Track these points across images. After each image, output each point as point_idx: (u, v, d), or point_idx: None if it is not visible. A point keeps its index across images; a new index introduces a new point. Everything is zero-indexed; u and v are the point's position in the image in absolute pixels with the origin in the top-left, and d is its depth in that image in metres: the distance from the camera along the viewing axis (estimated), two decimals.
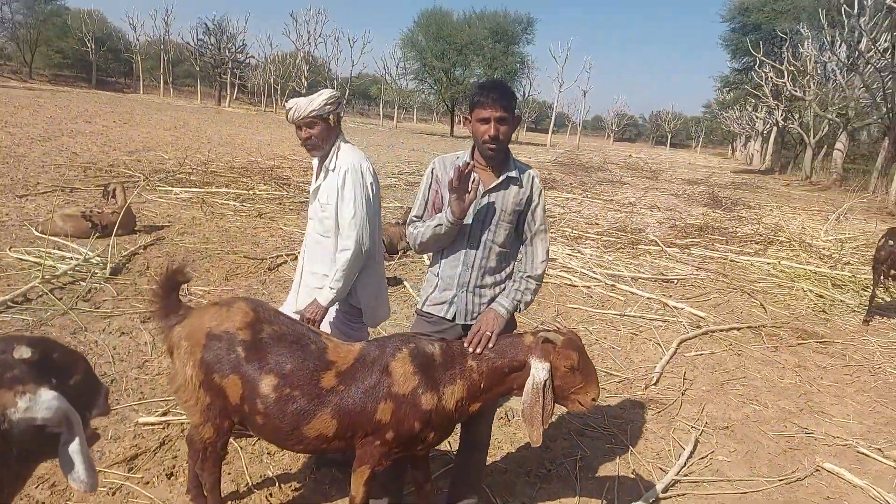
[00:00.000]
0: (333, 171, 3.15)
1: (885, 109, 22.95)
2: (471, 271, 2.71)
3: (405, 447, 2.56)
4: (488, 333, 2.56)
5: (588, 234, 11.04)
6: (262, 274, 6.63)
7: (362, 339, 3.08)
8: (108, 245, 6.40)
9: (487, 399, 2.64)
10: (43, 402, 1.43)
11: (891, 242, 6.90)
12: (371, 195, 3.12)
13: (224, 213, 9.35)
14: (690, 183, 25.37)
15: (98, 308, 5.17)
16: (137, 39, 57.59)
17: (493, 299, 2.73)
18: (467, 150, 2.75)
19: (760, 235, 12.68)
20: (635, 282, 8.05)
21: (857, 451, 4.15)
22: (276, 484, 3.13)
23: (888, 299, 8.07)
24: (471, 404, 2.59)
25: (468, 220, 2.67)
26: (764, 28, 38.95)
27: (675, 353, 5.61)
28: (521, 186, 2.70)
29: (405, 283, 6.83)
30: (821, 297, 8.11)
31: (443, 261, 2.76)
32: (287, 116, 3.15)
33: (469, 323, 2.74)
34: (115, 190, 7.67)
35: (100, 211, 7.47)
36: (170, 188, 10.71)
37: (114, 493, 2.91)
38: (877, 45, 22.25)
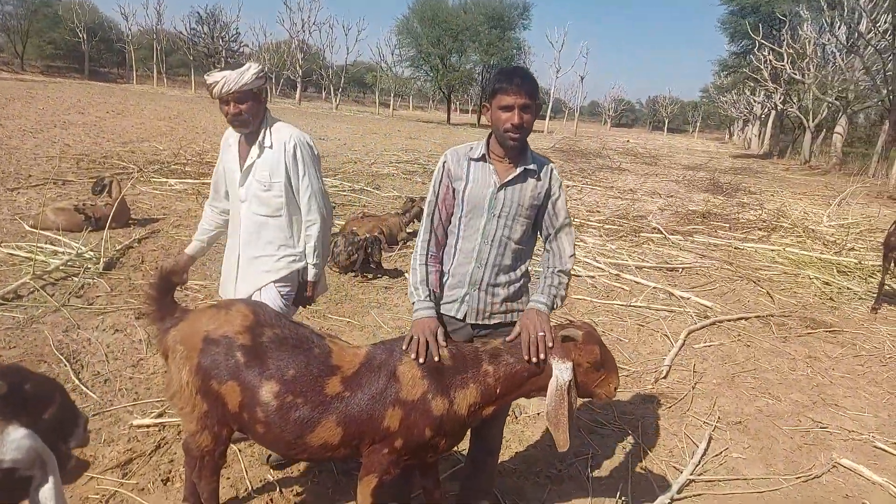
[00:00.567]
0: (271, 147, 2.97)
1: (885, 92, 22.75)
2: (484, 269, 2.56)
3: (415, 455, 2.43)
4: (541, 333, 2.38)
5: (590, 223, 10.90)
6: None
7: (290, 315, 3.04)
8: (102, 239, 6.24)
9: (503, 403, 2.51)
10: (12, 442, 1.28)
11: None
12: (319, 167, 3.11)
13: None
14: (690, 168, 25.21)
15: (91, 304, 5.02)
16: (129, 29, 56.89)
17: (506, 299, 2.59)
18: (482, 140, 2.59)
19: (763, 221, 12.55)
20: (640, 271, 7.93)
21: (874, 446, 4.03)
22: (277, 489, 3.01)
23: None
24: (484, 409, 2.45)
25: (482, 214, 2.52)
26: (763, 10, 38.69)
27: (683, 344, 5.49)
28: (538, 180, 2.54)
29: (406, 275, 6.69)
30: (827, 284, 7.99)
31: (455, 257, 2.61)
32: (214, 90, 2.84)
33: (480, 323, 2.60)
34: (111, 184, 7.50)
35: (93, 203, 7.30)
36: (164, 179, 10.53)
37: (107, 502, 2.78)
38: (877, 25, 22.02)
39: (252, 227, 2.99)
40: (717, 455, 3.77)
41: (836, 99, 27.14)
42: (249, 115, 2.87)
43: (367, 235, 6.70)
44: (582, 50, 56.28)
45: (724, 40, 46.05)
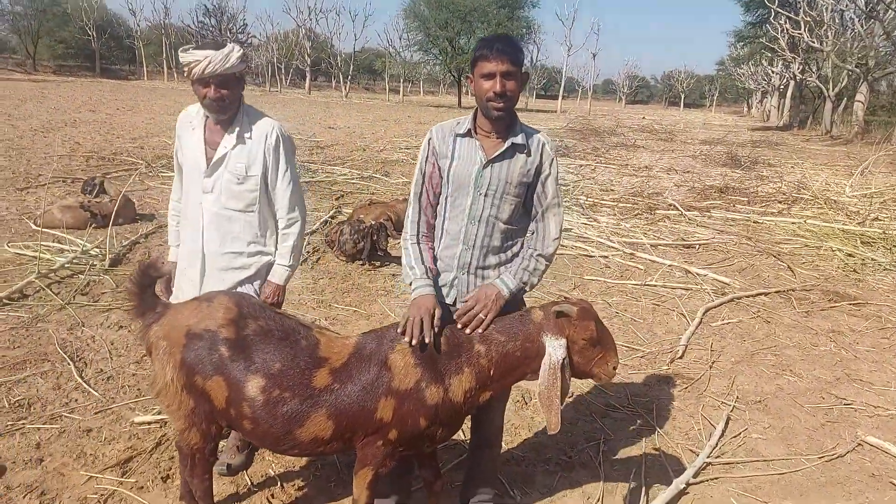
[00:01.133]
0: (250, 137, 2.78)
1: None
2: (472, 251, 2.43)
3: (411, 446, 2.33)
4: (482, 316, 2.29)
5: (603, 202, 10.69)
6: None
7: None
8: (107, 236, 6.21)
9: (500, 387, 2.39)
10: None
11: None
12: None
13: None
14: (707, 143, 24.71)
15: (97, 301, 4.99)
16: (138, 25, 57.11)
17: (498, 278, 2.46)
18: (469, 115, 2.45)
19: (783, 194, 12.23)
20: (655, 249, 7.74)
21: None
22: (279, 483, 2.93)
23: None
24: (481, 394, 2.34)
25: (468, 193, 2.39)
26: None
27: (700, 323, 5.33)
28: (528, 155, 2.40)
29: None
30: (850, 256, 7.74)
31: (442, 239, 2.49)
32: (195, 70, 2.57)
33: None
34: (101, 184, 7.49)
35: (98, 201, 7.28)
36: (173, 174, 10.49)
37: (106, 501, 2.73)
38: None
39: (217, 220, 2.77)
40: (735, 436, 3.63)
41: (856, 66, 26.40)
42: (229, 100, 2.68)
43: (374, 223, 6.60)
44: (593, 26, 55.38)
45: (739, 10, 45.02)
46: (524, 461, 3.25)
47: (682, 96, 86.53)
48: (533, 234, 2.48)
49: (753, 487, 3.17)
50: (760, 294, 6.18)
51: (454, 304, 2.48)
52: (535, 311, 2.35)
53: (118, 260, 5.98)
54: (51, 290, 5.05)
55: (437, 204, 2.49)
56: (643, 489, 3.06)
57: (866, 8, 24.47)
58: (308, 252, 6.70)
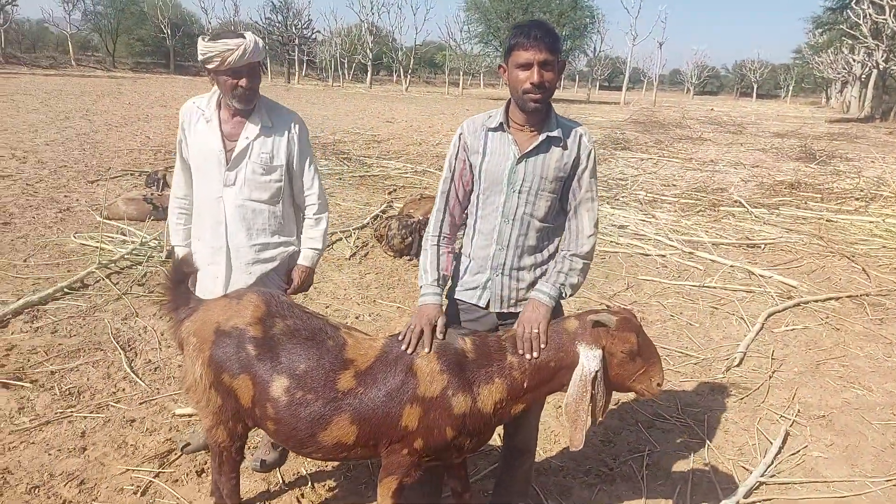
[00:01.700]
0: (271, 126, 2.73)
1: None
2: (506, 251, 2.32)
3: (438, 456, 2.25)
4: (535, 331, 2.17)
5: (664, 197, 10.30)
6: None
7: None
8: (166, 227, 6.40)
9: (533, 399, 2.28)
10: None
11: None
12: None
13: None
14: (779, 136, 23.49)
15: (151, 292, 5.14)
16: (209, 23, 59.11)
17: (533, 284, 2.34)
18: (500, 108, 2.33)
19: (861, 191, 11.46)
20: (716, 248, 7.38)
21: None
22: (309, 483, 2.92)
23: None
24: (513, 406, 2.23)
25: (501, 191, 2.28)
26: None
27: (761, 328, 5.02)
28: (565, 148, 2.26)
29: None
30: None
31: (474, 239, 2.39)
32: (228, 59, 2.48)
33: (505, 311, 2.37)
34: (164, 177, 7.74)
35: (160, 193, 7.54)
36: None
37: (142, 493, 2.78)
38: None
39: (242, 213, 2.73)
40: (793, 454, 3.38)
41: None
42: (257, 90, 2.66)
43: (422, 218, 6.55)
44: (660, 15, 53.65)
45: None
46: (562, 471, 3.12)
47: (755, 87, 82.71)
48: (567, 232, 2.35)
49: None
50: (830, 298, 5.79)
51: (487, 306, 2.39)
52: (571, 319, 2.22)
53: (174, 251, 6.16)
54: (110, 280, 5.24)
55: (466, 203, 2.39)
56: None
57: None
58: (357, 246, 6.73)
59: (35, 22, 61.14)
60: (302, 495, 2.84)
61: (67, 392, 3.53)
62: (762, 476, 3.12)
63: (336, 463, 3.06)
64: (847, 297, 5.86)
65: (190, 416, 3.39)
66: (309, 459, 3.07)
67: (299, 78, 55.14)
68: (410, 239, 6.31)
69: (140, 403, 3.51)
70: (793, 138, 22.55)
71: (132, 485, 2.82)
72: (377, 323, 4.84)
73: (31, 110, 16.48)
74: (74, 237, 6.28)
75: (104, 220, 6.82)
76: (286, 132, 2.74)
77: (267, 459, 2.98)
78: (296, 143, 2.76)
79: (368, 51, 52.55)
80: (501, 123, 2.27)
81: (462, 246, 2.49)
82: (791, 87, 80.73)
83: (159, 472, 2.92)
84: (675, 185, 11.54)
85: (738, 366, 4.38)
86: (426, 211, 7.06)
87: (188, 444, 3.06)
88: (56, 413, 3.32)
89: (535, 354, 2.16)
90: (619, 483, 3.06)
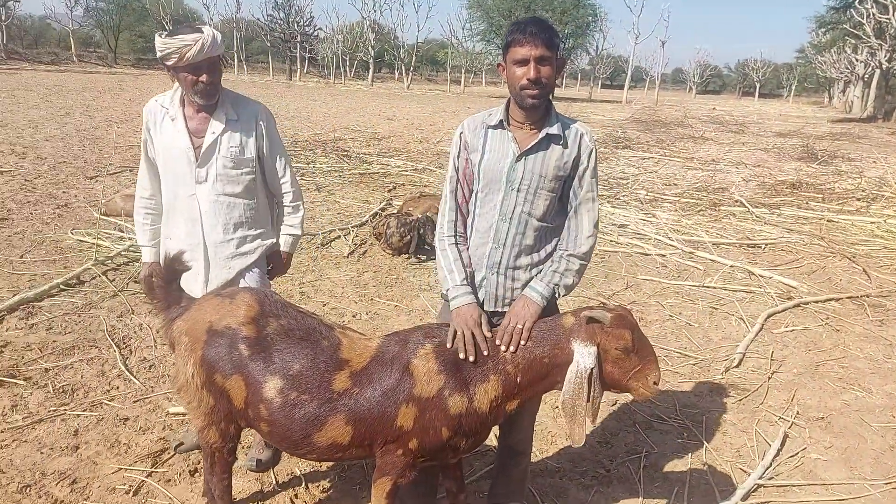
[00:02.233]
0: (237, 119, 2.70)
1: None
2: (502, 249, 2.30)
3: (433, 456, 2.22)
4: (519, 326, 2.15)
5: (665, 196, 10.26)
6: (313, 250, 6.44)
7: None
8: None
9: (527, 396, 2.26)
10: None
11: None
12: None
13: None
14: (781, 135, 23.43)
15: (143, 289, 5.11)
16: (212, 19, 59.03)
17: (528, 283, 2.31)
18: (500, 106, 2.31)
19: (863, 191, 11.41)
20: (717, 248, 7.35)
21: None
22: (303, 483, 2.89)
23: None
24: (507, 403, 2.21)
25: (500, 189, 2.26)
26: None
27: (761, 329, 4.99)
28: (565, 147, 2.24)
29: None
30: None
31: (471, 237, 2.36)
32: (187, 54, 2.45)
33: (501, 310, 2.35)
34: None
35: None
36: None
37: (134, 493, 2.76)
38: None
39: (216, 208, 2.71)
40: (792, 456, 3.35)
41: None
42: (219, 84, 2.63)
43: (421, 216, 6.52)
44: (663, 13, 53.52)
45: None
46: (558, 472, 3.10)
47: (758, 86, 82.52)
48: (565, 231, 2.33)
49: None
50: (830, 299, 5.76)
51: (482, 305, 2.36)
52: (567, 316, 2.20)
53: None
54: (106, 276, 5.22)
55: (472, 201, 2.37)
56: None
57: None
58: (355, 244, 6.70)
59: (37, 18, 61.24)
60: (296, 496, 2.82)
61: (61, 390, 3.51)
62: (760, 478, 3.09)
63: (330, 463, 3.04)
64: (847, 297, 5.83)
65: (184, 415, 3.37)
66: (302, 460, 3.05)
67: (301, 75, 55.05)
68: (409, 237, 6.28)
69: (134, 402, 3.48)
70: (795, 138, 22.49)
71: (124, 484, 2.80)
72: (375, 321, 4.82)
73: (31, 106, 16.46)
74: (72, 233, 6.26)
75: (102, 217, 6.80)
76: (253, 124, 2.72)
77: (262, 458, 2.96)
78: (264, 134, 2.74)
79: (370, 48, 52.46)
80: (501, 121, 2.24)
81: None
82: (794, 87, 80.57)
83: (152, 472, 2.90)
84: (676, 185, 11.51)
85: (737, 367, 4.36)
86: (425, 209, 7.04)
87: (181, 444, 3.03)
88: (49, 411, 3.29)
89: (511, 349, 2.14)
90: (616, 485, 3.04)
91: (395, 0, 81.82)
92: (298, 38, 53.14)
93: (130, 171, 9.65)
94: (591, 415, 2.12)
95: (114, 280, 5.20)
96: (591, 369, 2.07)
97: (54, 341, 4.06)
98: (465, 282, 2.29)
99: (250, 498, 2.79)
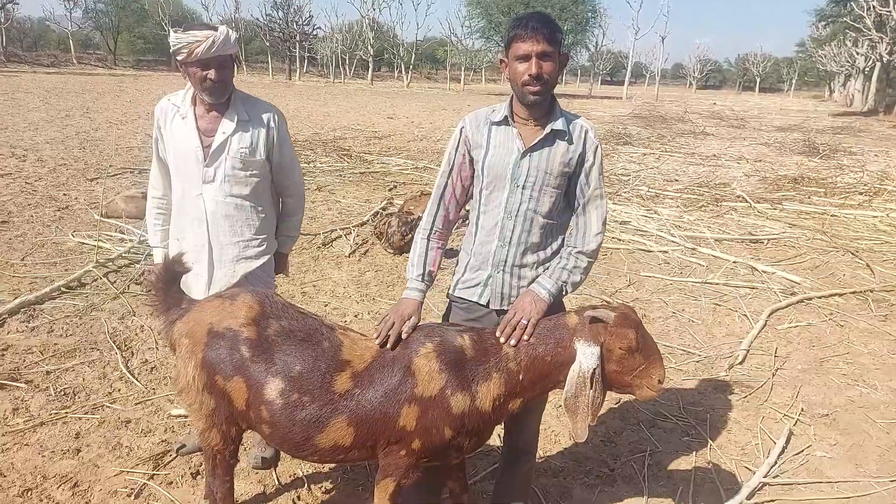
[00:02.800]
0: (248, 120, 2.68)
1: None
2: (508, 247, 2.28)
3: (436, 456, 2.21)
4: (524, 322, 2.14)
5: (666, 192, 10.24)
6: (314, 250, 6.42)
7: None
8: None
9: (530, 395, 2.24)
10: None
11: None
12: None
13: None
14: (782, 130, 23.38)
15: (149, 291, 5.10)
16: (211, 20, 59.04)
17: (534, 281, 2.30)
18: (504, 102, 2.29)
19: (865, 185, 11.38)
20: (719, 244, 7.32)
21: None
22: (306, 485, 2.88)
23: None
24: (510, 402, 2.19)
25: (504, 186, 2.24)
26: None
27: (764, 325, 4.97)
28: (570, 143, 2.22)
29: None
30: None
31: (476, 235, 2.35)
32: (197, 50, 2.44)
33: (506, 308, 2.33)
34: None
35: None
36: None
37: (136, 496, 2.74)
38: None
39: (223, 209, 2.69)
40: (797, 453, 3.33)
41: None
42: (229, 82, 2.61)
43: (422, 215, 6.49)
44: (662, 8, 53.44)
45: None
46: (562, 472, 3.08)
47: (758, 80, 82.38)
48: (573, 229, 2.31)
49: None
50: (834, 295, 5.73)
51: (487, 304, 2.36)
52: (571, 315, 2.18)
53: None
54: (107, 279, 5.21)
55: (463, 199, 2.36)
56: None
57: None
58: (356, 244, 6.68)
59: (36, 20, 61.24)
60: (298, 497, 2.81)
61: (62, 392, 3.50)
62: (766, 476, 3.07)
63: (333, 465, 3.03)
64: (851, 293, 5.80)
65: (185, 417, 3.35)
66: (305, 461, 3.03)
67: (300, 75, 55.04)
68: (410, 236, 6.25)
69: (136, 404, 3.47)
70: (796, 132, 22.44)
71: (126, 487, 2.78)
72: (377, 321, 4.80)
73: (31, 108, 16.46)
74: (73, 235, 6.25)
75: (103, 219, 6.78)
76: (265, 125, 2.70)
77: (266, 456, 2.94)
78: (276, 136, 2.72)
79: (370, 47, 52.42)
80: (506, 117, 2.23)
81: (462, 243, 2.46)
82: (794, 81, 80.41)
83: (154, 474, 2.89)
84: (677, 181, 11.47)
85: (740, 363, 4.33)
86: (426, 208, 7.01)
87: (183, 446, 3.02)
88: (50, 414, 3.28)
89: (512, 342, 2.14)
90: (621, 484, 3.02)
91: None
92: (297, 38, 53.13)
93: (131, 172, 9.65)
94: (592, 413, 2.10)
95: (115, 282, 5.19)
96: (594, 370, 2.05)
97: (55, 344, 4.05)
98: (419, 278, 2.33)
99: (252, 500, 2.78)
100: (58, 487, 2.74)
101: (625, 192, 10.06)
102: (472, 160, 2.32)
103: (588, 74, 74.13)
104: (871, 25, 32.38)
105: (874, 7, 30.36)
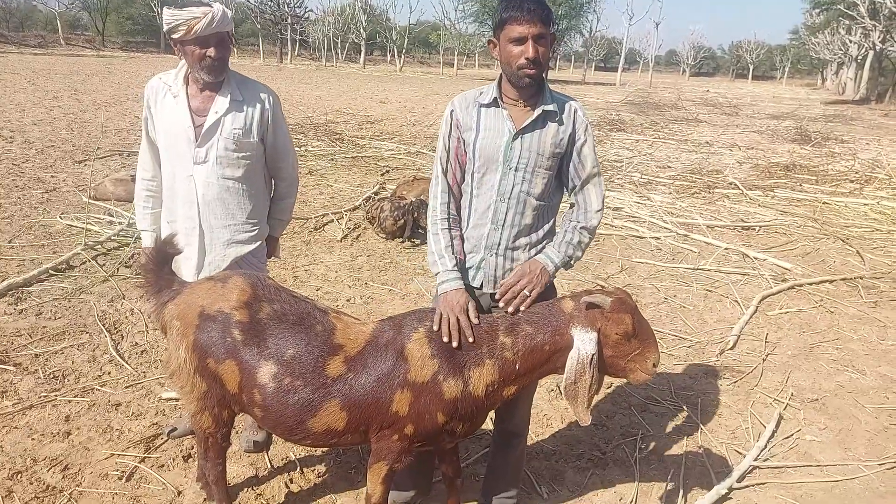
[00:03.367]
0: (242, 100, 2.63)
1: None
2: (501, 230, 2.26)
3: (429, 441, 2.21)
4: (526, 292, 2.13)
5: (659, 179, 10.24)
6: (306, 234, 6.38)
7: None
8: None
9: (526, 382, 2.24)
10: None
11: None
12: None
13: None
14: (775, 118, 23.41)
15: (138, 274, 5.06)
16: (202, 1, 58.21)
17: (541, 252, 2.28)
18: (493, 83, 2.26)
19: (856, 173, 11.42)
20: (711, 230, 7.34)
21: None
22: (298, 468, 2.88)
23: None
24: (504, 389, 2.18)
25: (497, 169, 2.21)
26: None
27: (755, 311, 5.00)
28: (560, 123, 2.20)
29: None
30: None
31: (469, 218, 2.33)
32: (196, 27, 2.39)
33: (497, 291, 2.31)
34: None
35: None
36: None
37: (127, 479, 2.73)
38: None
39: (216, 192, 2.63)
40: (787, 437, 3.36)
41: None
42: (226, 61, 2.55)
43: (415, 199, 6.47)
44: None
45: None
46: (554, 455, 3.10)
47: (751, 68, 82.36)
48: (574, 206, 2.31)
49: (804, 495, 2.92)
50: (824, 281, 5.76)
51: (480, 287, 2.34)
52: (566, 300, 2.17)
53: None
54: (96, 261, 5.16)
55: (463, 182, 2.32)
56: (681, 492, 2.86)
57: None
58: (349, 228, 6.65)
59: (23, 0, 60.06)
60: (290, 480, 2.80)
61: (52, 375, 3.47)
62: (756, 460, 3.10)
63: (325, 448, 3.02)
64: (841, 279, 5.84)
65: (176, 400, 3.34)
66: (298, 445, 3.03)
67: (292, 58, 54.46)
68: (403, 221, 6.23)
69: (126, 387, 3.45)
70: (788, 120, 22.48)
71: (117, 470, 2.77)
72: (369, 306, 4.79)
73: (18, 90, 16.20)
74: (60, 218, 6.18)
75: (91, 201, 6.71)
76: (259, 105, 2.64)
77: (258, 439, 2.94)
78: (270, 117, 2.67)
79: (362, 30, 51.91)
80: (495, 98, 2.20)
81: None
82: (787, 69, 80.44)
83: (145, 457, 2.88)
84: (670, 167, 11.47)
85: (731, 349, 4.36)
86: (419, 193, 6.98)
87: (174, 429, 3.01)
88: (40, 397, 3.25)
89: (510, 309, 2.15)
90: (612, 467, 3.04)
91: None
92: (289, 21, 52.44)
93: (119, 155, 9.53)
94: (589, 398, 2.10)
95: (104, 265, 5.14)
96: (592, 355, 2.05)
97: (44, 327, 4.01)
98: (455, 267, 2.25)
99: (245, 483, 2.77)
100: (48, 470, 2.72)
101: (618, 179, 10.05)
102: (464, 142, 2.29)
103: (582, 60, 73.83)
104: (865, 13, 32.36)
105: None
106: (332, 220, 6.84)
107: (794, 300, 5.33)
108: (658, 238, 6.94)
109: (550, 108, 2.17)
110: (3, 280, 4.55)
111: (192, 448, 2.94)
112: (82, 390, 3.36)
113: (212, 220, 2.67)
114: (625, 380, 2.17)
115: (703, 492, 2.85)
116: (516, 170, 2.20)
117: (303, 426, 2.13)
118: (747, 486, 2.94)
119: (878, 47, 33.71)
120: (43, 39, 47.32)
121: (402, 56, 54.09)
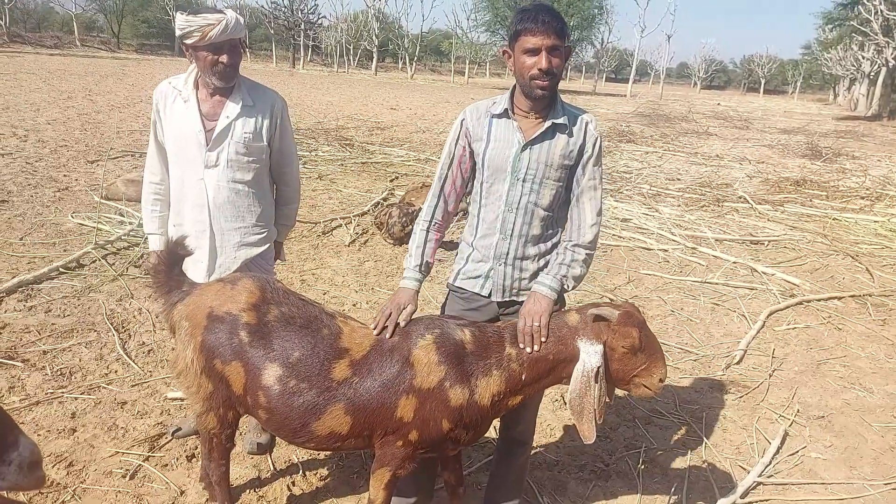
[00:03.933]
0: (253, 105, 2.67)
1: None
2: (509, 240, 2.28)
3: (433, 448, 2.21)
4: (536, 324, 2.13)
5: (668, 191, 10.22)
6: (314, 238, 6.41)
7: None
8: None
9: (532, 392, 2.24)
10: None
11: None
12: None
13: None
14: (786, 132, 23.33)
15: (147, 274, 5.09)
16: (215, 5, 58.79)
17: (536, 274, 2.29)
18: (505, 94, 2.27)
19: (867, 189, 11.36)
20: (719, 244, 7.31)
21: None
22: (301, 471, 2.88)
23: None
24: (510, 399, 2.19)
25: (505, 179, 2.23)
26: None
27: (762, 326, 4.97)
28: (570, 136, 2.21)
29: None
30: None
31: (478, 227, 2.34)
32: (210, 33, 2.42)
33: (506, 300, 2.33)
34: None
35: None
36: None
37: (131, 477, 2.74)
38: None
39: (226, 195, 2.66)
40: (792, 454, 3.34)
41: None
42: (238, 67, 2.59)
43: (423, 206, 6.48)
44: (669, 7, 53.22)
45: None
46: (557, 466, 3.09)
47: (763, 82, 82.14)
48: (568, 222, 2.32)
49: None
50: (833, 298, 5.73)
51: (489, 296, 2.35)
52: (572, 313, 2.18)
53: None
54: (106, 260, 5.20)
55: (462, 191, 2.35)
56: None
57: None
58: (357, 233, 6.67)
59: (40, 2, 60.82)
60: (293, 483, 2.81)
61: (59, 372, 3.49)
62: (760, 476, 3.08)
63: (329, 452, 3.03)
64: (850, 296, 5.80)
65: (182, 400, 3.35)
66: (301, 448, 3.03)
67: (304, 63, 54.81)
68: (410, 227, 6.24)
69: (132, 386, 3.47)
70: (799, 135, 22.39)
71: (121, 468, 2.79)
72: (375, 311, 4.79)
73: (34, 89, 16.38)
74: (72, 217, 6.23)
75: (103, 201, 6.77)
76: (269, 111, 2.68)
77: (262, 441, 2.95)
78: (279, 123, 2.71)
79: (374, 37, 52.18)
80: (506, 109, 2.21)
81: (463, 234, 2.46)
82: (799, 84, 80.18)
83: (149, 456, 2.89)
84: (679, 180, 11.45)
85: (738, 363, 4.34)
86: None
87: (179, 429, 3.02)
88: (47, 394, 3.28)
89: (535, 348, 2.12)
90: (615, 479, 3.03)
91: None
92: (302, 26, 52.87)
93: (132, 155, 9.61)
94: (599, 412, 2.10)
95: (114, 264, 5.18)
96: (598, 368, 2.05)
97: (53, 324, 4.04)
98: (417, 268, 2.33)
99: (247, 484, 2.78)
100: (53, 467, 2.74)
101: (626, 190, 10.04)
102: (472, 152, 2.31)
103: (593, 71, 73.93)
104: (879, 30, 32.26)
105: (882, 11, 30.25)
106: (341, 225, 6.87)
107: (801, 316, 5.30)
108: (666, 250, 6.92)
109: (560, 120, 2.18)
110: (14, 277, 4.59)
111: (196, 448, 2.95)
112: (89, 388, 3.39)
113: (223, 222, 2.70)
114: (628, 392, 2.17)
115: None
116: (524, 180, 2.21)
117: (307, 429, 2.14)
118: (751, 503, 2.92)
119: (890, 64, 33.57)
120: (59, 40, 47.84)
121: (414, 64, 54.33)
